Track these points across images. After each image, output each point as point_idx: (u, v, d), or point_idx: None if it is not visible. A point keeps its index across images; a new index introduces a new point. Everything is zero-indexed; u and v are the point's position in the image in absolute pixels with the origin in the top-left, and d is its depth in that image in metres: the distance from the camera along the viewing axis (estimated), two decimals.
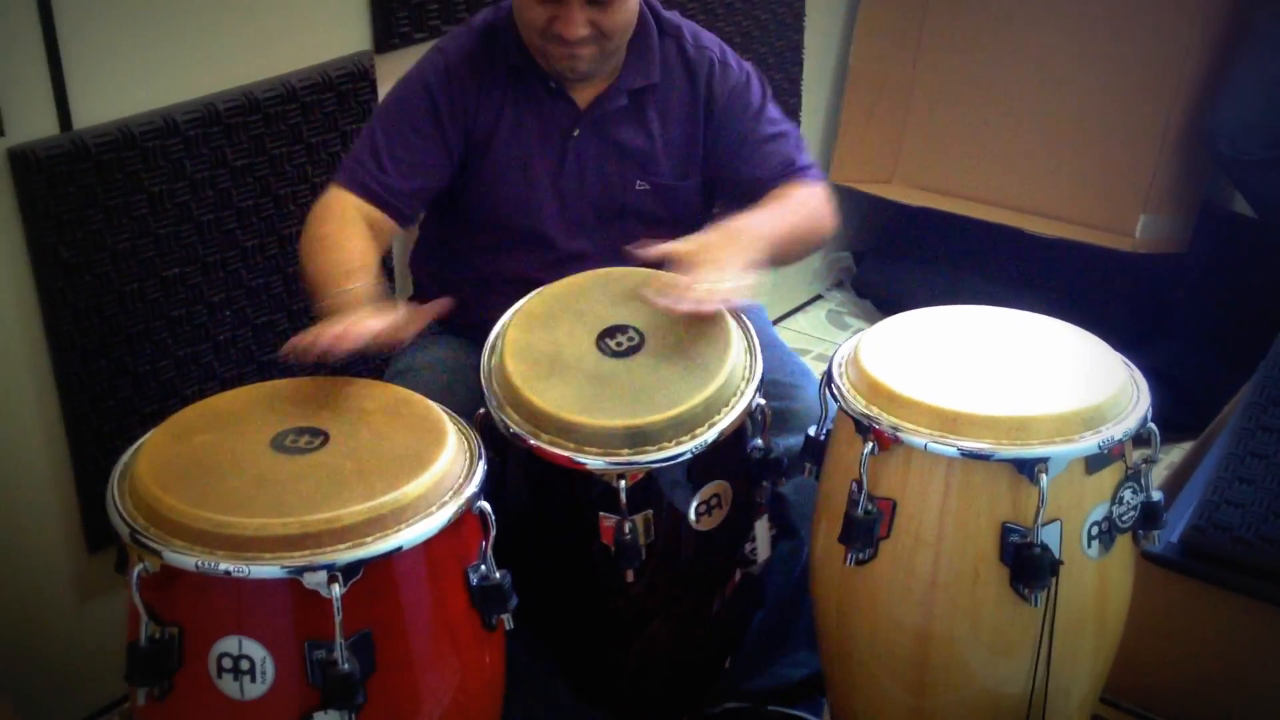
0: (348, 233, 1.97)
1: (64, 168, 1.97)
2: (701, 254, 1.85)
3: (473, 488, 1.58)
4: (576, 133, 2.09)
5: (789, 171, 2.14)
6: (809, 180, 2.15)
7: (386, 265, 2.44)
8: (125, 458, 1.63)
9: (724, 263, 1.84)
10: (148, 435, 1.65)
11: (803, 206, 2.11)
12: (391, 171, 2.02)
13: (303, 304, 2.35)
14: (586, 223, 2.13)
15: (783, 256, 2.06)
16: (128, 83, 2.05)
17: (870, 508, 1.75)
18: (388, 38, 2.36)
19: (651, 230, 2.09)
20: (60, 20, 1.94)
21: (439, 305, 1.90)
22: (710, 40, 2.17)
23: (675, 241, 1.87)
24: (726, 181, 2.17)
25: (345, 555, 1.46)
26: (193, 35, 2.11)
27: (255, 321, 2.30)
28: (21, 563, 2.13)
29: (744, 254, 1.87)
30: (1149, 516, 1.79)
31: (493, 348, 1.87)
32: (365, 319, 1.73)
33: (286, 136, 2.24)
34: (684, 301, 1.79)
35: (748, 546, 1.90)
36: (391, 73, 2.29)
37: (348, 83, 2.30)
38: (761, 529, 1.91)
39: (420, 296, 2.31)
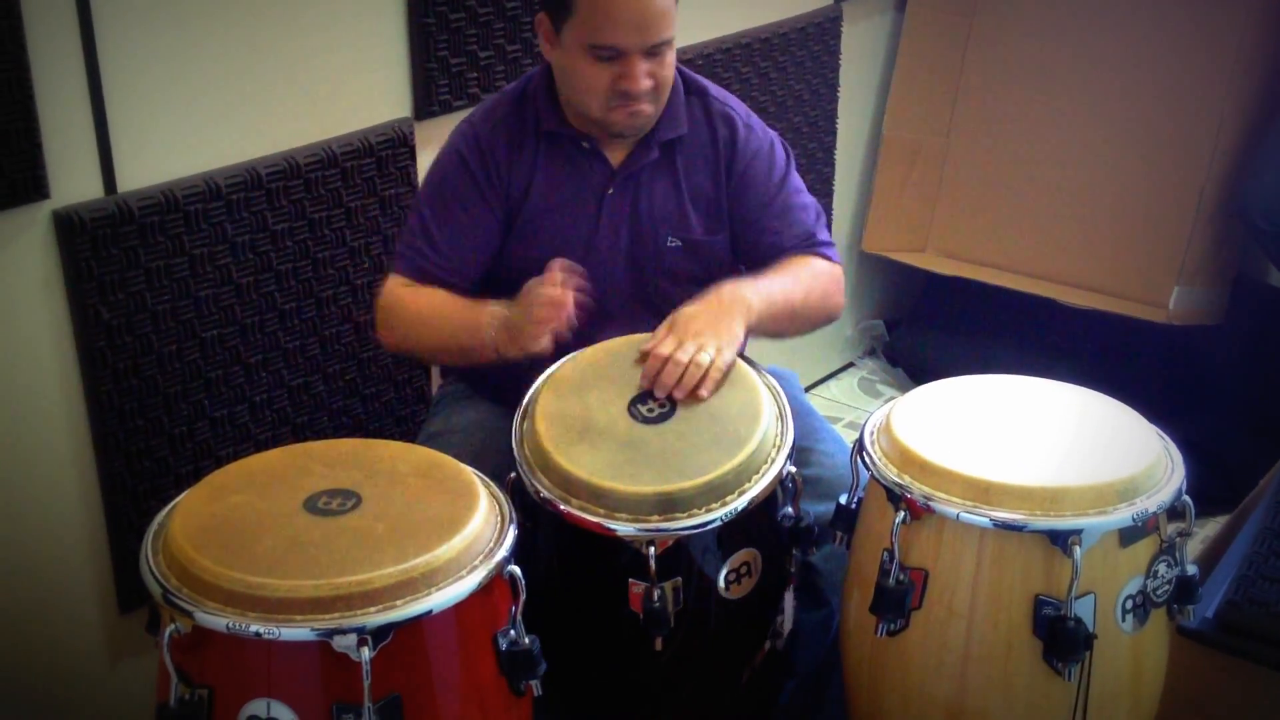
0: (434, 293, 2.04)
1: (108, 230, 2.00)
2: (681, 329, 1.91)
3: (503, 552, 1.58)
4: (611, 191, 2.11)
5: (807, 244, 2.16)
6: (826, 256, 2.17)
7: None
8: (160, 517, 1.64)
9: (703, 336, 1.89)
10: (182, 495, 1.66)
11: (814, 280, 2.12)
12: (446, 251, 2.06)
13: (338, 366, 2.37)
14: (619, 282, 2.15)
15: (783, 326, 2.08)
16: (172, 147, 2.08)
17: (902, 578, 1.74)
18: (427, 105, 2.40)
19: (683, 289, 2.10)
20: (107, 86, 1.98)
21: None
22: (737, 104, 2.19)
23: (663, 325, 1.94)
24: (745, 245, 2.19)
25: (375, 618, 1.46)
26: (236, 101, 2.15)
27: (291, 383, 2.32)
28: (53, 622, 2.14)
29: (726, 323, 1.93)
30: (1184, 591, 1.77)
31: (524, 412, 1.88)
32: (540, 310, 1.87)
33: (327, 201, 2.27)
34: (676, 390, 1.85)
35: (777, 619, 1.89)
36: (430, 139, 2.33)
37: (388, 148, 2.34)
38: (789, 602, 1.90)
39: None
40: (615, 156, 2.11)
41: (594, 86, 1.99)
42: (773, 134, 2.20)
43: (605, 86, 1.98)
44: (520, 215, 2.10)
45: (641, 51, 1.95)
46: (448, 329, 2.02)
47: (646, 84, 1.98)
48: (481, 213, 2.08)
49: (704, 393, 1.86)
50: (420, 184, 2.15)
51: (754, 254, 2.17)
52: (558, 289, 1.86)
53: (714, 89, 2.18)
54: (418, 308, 2.04)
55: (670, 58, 2.01)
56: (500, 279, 2.15)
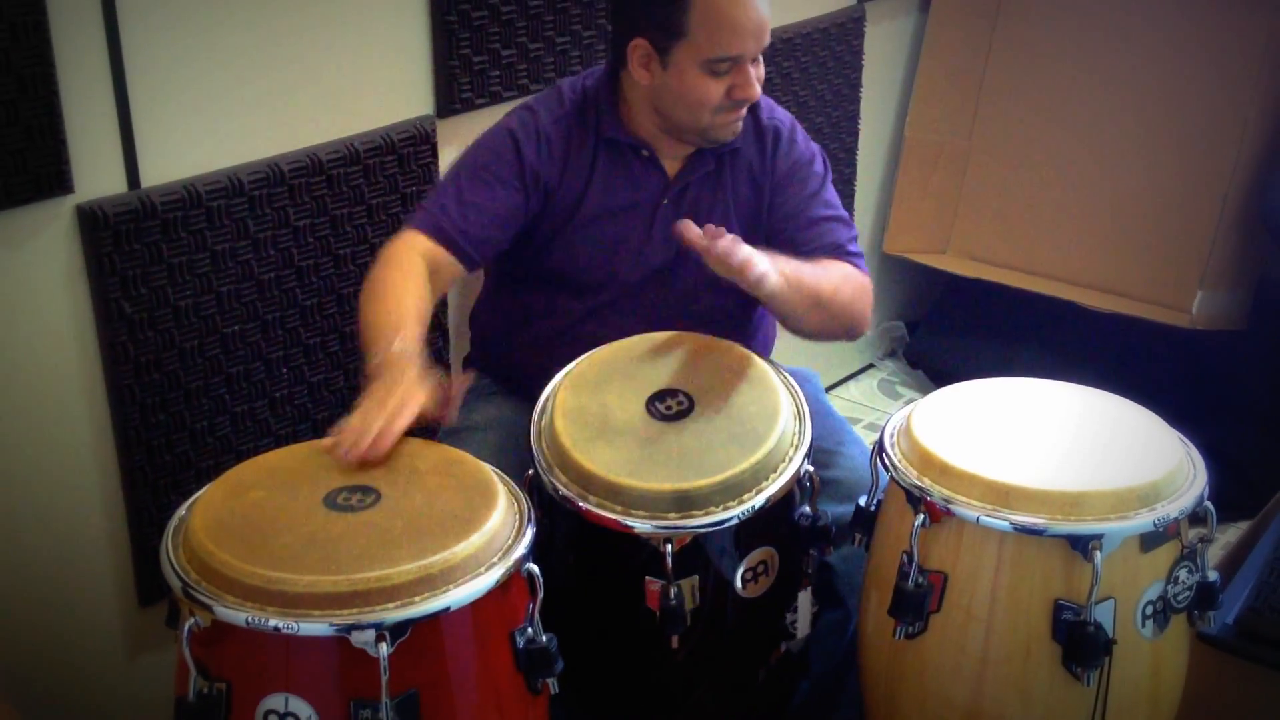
0: (407, 278, 1.97)
1: (131, 225, 2.01)
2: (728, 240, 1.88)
3: (521, 549, 1.58)
4: (665, 202, 2.12)
5: (836, 253, 2.16)
6: (855, 266, 2.16)
7: (440, 324, 2.47)
8: (180, 512, 1.64)
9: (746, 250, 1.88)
10: (203, 490, 1.66)
11: (845, 280, 2.12)
12: (470, 217, 2.05)
13: (358, 363, 2.37)
14: (665, 289, 2.15)
15: (808, 310, 2.04)
16: (195, 143, 2.09)
17: (921, 580, 1.74)
18: (449, 103, 2.40)
19: (716, 295, 2.11)
20: (131, 81, 1.99)
21: (464, 381, 1.92)
22: (784, 115, 2.21)
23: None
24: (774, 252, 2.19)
25: (393, 614, 1.46)
26: (260, 98, 2.15)
27: (311, 380, 2.32)
28: (73, 615, 2.15)
29: (765, 256, 1.91)
30: (1204, 597, 1.76)
31: (543, 409, 1.88)
32: (407, 405, 1.71)
33: (348, 198, 2.28)
34: (711, 247, 1.84)
35: (789, 617, 1.89)
36: (452, 137, 2.34)
37: (409, 146, 2.34)
38: (804, 602, 1.89)
39: (477, 354, 2.33)
40: (671, 167, 2.12)
41: (708, 100, 2.00)
42: (815, 147, 2.21)
43: (719, 98, 2.00)
44: (573, 219, 2.11)
45: (752, 58, 1.99)
46: (374, 309, 1.93)
47: (758, 89, 2.01)
48: (514, 200, 2.08)
49: (734, 261, 1.84)
50: (462, 152, 2.15)
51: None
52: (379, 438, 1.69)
53: (764, 100, 2.18)
54: (379, 274, 1.97)
55: (762, 60, 2.03)
56: (551, 278, 2.16)
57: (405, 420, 1.70)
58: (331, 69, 2.24)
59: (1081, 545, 1.66)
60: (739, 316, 2.21)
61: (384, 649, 1.45)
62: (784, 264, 1.97)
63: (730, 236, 1.87)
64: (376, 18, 2.27)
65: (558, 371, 1.94)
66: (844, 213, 2.21)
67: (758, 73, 2.02)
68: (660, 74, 2.02)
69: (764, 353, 2.20)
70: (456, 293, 2.49)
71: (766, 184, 2.16)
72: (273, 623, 1.45)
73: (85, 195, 1.98)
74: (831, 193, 2.21)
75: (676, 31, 1.96)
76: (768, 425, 1.81)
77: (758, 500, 1.74)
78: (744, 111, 2.05)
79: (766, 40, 2.00)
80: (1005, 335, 3.51)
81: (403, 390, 1.73)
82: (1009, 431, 1.82)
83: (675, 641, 1.74)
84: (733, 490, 1.73)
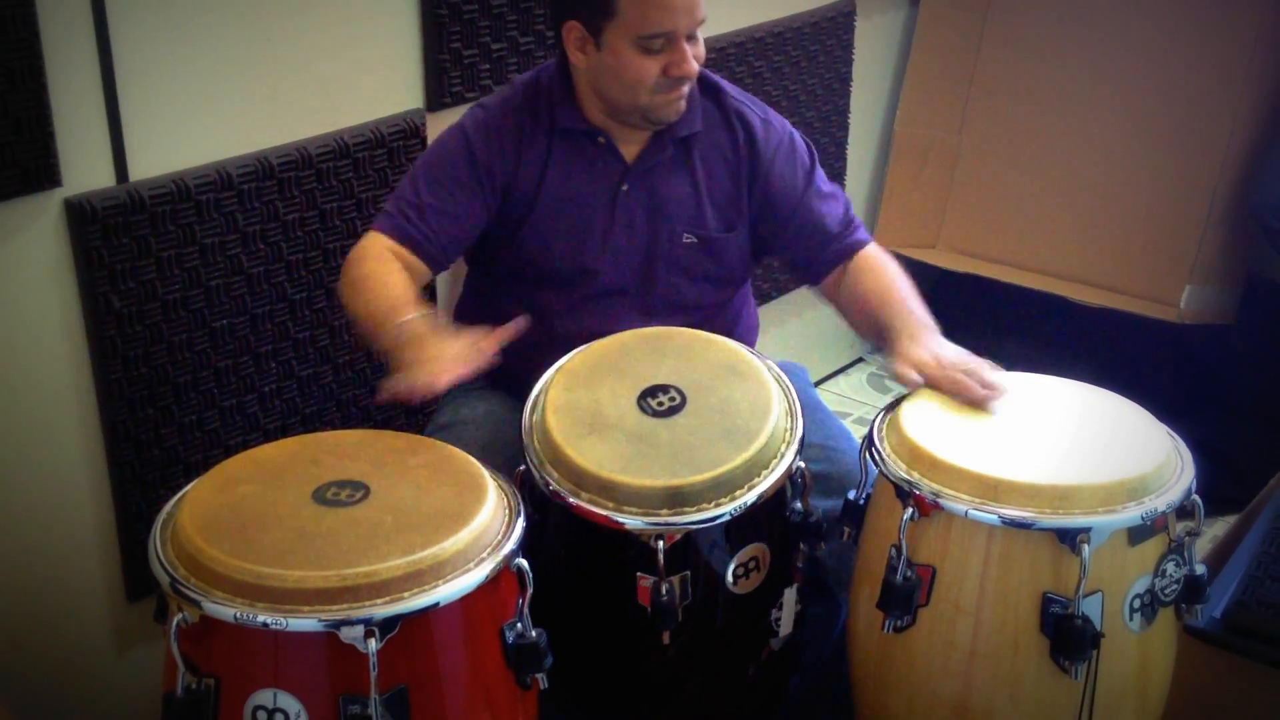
0: (388, 270, 2.01)
1: (119, 219, 2.00)
2: (936, 366, 1.94)
3: (511, 545, 1.58)
4: (625, 187, 2.11)
5: (848, 227, 2.19)
6: (865, 241, 2.20)
7: None
8: (168, 507, 1.64)
9: (950, 357, 1.95)
10: (191, 485, 1.66)
11: (901, 274, 2.16)
12: (431, 220, 2.05)
13: (348, 356, 2.37)
14: (635, 276, 2.15)
15: None
16: (184, 136, 2.09)
17: (909, 574, 1.74)
18: (439, 96, 2.40)
19: (697, 285, 2.10)
20: (120, 74, 1.98)
21: (516, 325, 1.92)
22: (752, 100, 2.20)
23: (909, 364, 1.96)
24: (783, 237, 2.19)
25: (382, 610, 1.46)
26: (248, 91, 2.15)
27: (300, 374, 2.32)
28: (61, 609, 2.14)
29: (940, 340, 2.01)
30: (1192, 590, 1.77)
31: (534, 405, 1.88)
32: (448, 359, 1.79)
33: (338, 191, 2.27)
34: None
35: (773, 615, 1.89)
36: (442, 130, 2.32)
37: (399, 139, 2.33)
38: (789, 599, 1.89)
39: None
40: (629, 152, 2.12)
41: (644, 79, 2.00)
42: (788, 125, 2.21)
43: (655, 76, 2.00)
44: (533, 210, 2.11)
45: (686, 35, 1.98)
46: (360, 303, 1.99)
47: (695, 65, 2.01)
48: (472, 200, 2.08)
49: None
50: (423, 152, 2.15)
51: (797, 243, 2.19)
52: (436, 378, 1.78)
53: (728, 87, 2.18)
54: (358, 271, 2.02)
55: (699, 35, 2.02)
56: (517, 270, 2.16)
57: (448, 376, 1.76)
58: (321, 62, 2.23)
59: (1070, 539, 1.66)
60: (721, 307, 2.21)
61: (373, 645, 1.45)
62: (917, 306, 2.06)
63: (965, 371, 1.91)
64: (366, 11, 2.27)
65: (545, 367, 1.94)
66: (835, 185, 2.24)
67: (695, 51, 2.01)
68: (595, 55, 2.02)
69: (748, 342, 2.21)
70: (445, 291, 2.48)
71: (745, 170, 2.16)
72: (261, 618, 1.45)
73: (73, 189, 1.98)
74: (819, 168, 2.22)
75: (606, 11, 1.97)
76: (760, 421, 1.81)
77: (750, 497, 1.74)
78: (684, 90, 2.04)
79: (701, 16, 1.99)
80: (994, 330, 3.51)
81: (436, 355, 1.79)
82: (998, 426, 1.82)
83: (666, 637, 1.75)
84: (725, 487, 1.73)
